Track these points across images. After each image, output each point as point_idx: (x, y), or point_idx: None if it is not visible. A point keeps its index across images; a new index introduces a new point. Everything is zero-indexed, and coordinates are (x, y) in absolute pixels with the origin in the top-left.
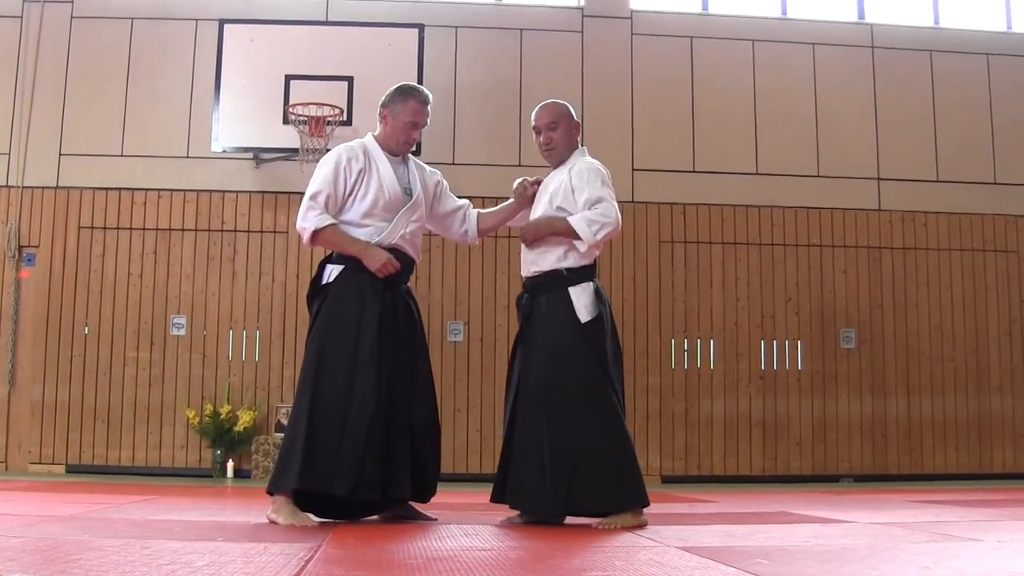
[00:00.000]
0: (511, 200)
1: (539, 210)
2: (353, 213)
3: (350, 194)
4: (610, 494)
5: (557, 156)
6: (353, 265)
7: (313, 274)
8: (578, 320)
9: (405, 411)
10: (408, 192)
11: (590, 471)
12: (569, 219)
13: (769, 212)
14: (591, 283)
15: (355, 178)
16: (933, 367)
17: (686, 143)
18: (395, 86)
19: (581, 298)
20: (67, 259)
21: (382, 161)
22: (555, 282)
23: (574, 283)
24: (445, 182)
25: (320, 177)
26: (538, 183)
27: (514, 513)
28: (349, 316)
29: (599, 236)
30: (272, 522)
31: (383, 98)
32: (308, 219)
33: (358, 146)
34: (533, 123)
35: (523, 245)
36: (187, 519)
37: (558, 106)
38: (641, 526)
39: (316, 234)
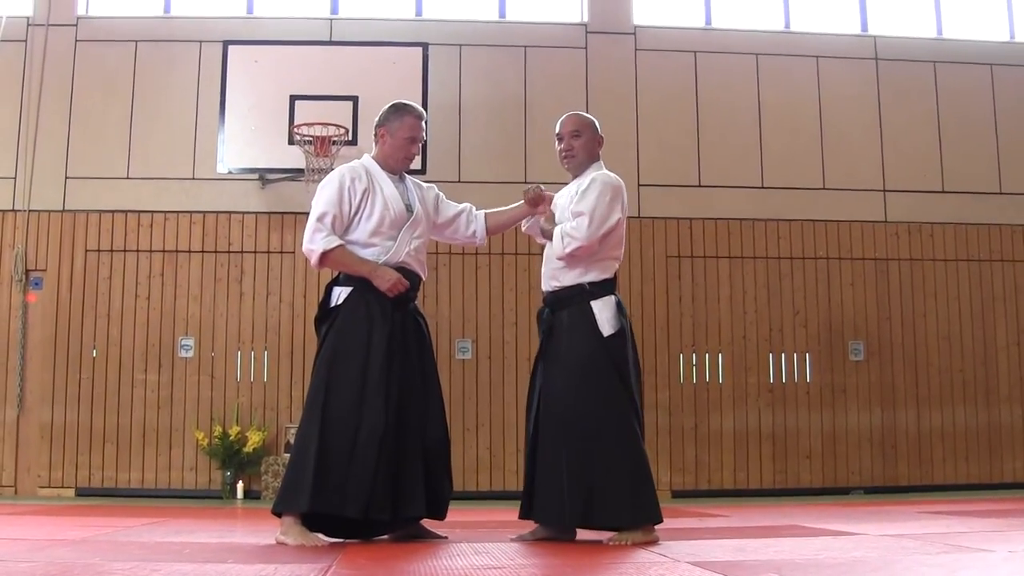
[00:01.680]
0: (522, 202)
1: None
2: (359, 233)
3: (355, 214)
4: (626, 508)
5: (576, 165)
6: (361, 287)
7: (320, 296)
8: (601, 334)
9: (416, 430)
10: (410, 209)
11: (608, 485)
12: (557, 227)
13: (775, 225)
14: (612, 296)
15: (360, 198)
16: (942, 378)
17: (691, 158)
18: (387, 105)
19: (604, 312)
20: (74, 282)
21: (384, 180)
22: (577, 296)
23: (596, 297)
24: (442, 194)
25: (325, 198)
26: (542, 193)
27: (526, 530)
28: (358, 338)
29: (567, 250)
30: (281, 544)
31: (377, 119)
32: (315, 241)
33: (359, 166)
34: (557, 130)
35: (544, 260)
36: (197, 541)
37: (584, 117)
38: (652, 542)
39: (324, 256)
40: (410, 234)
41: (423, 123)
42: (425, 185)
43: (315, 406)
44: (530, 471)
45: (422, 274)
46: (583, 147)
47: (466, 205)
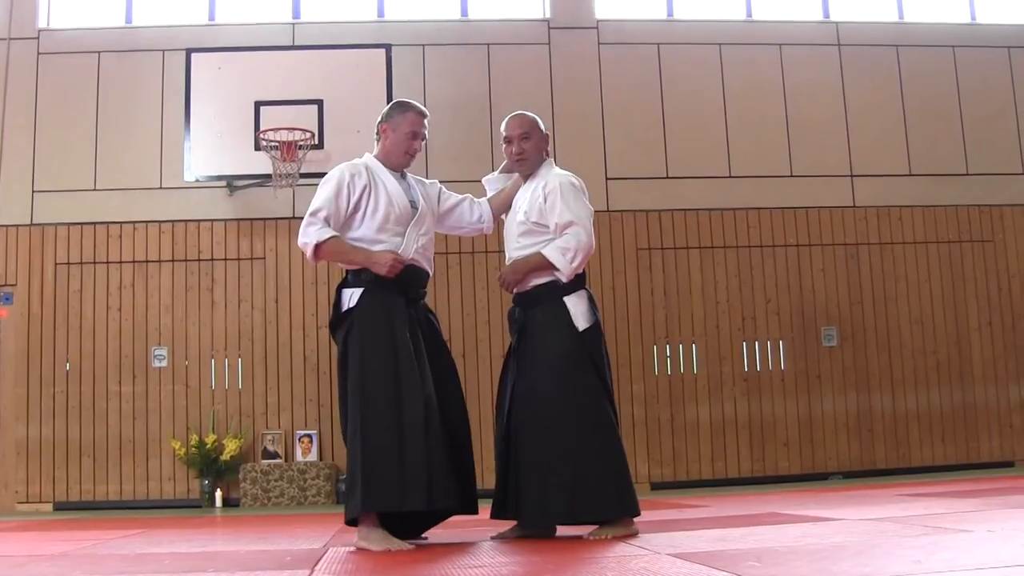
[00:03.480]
0: (513, 178)
1: (513, 228)
2: (365, 229)
3: (357, 211)
4: (610, 501)
5: (528, 166)
6: (372, 285)
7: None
8: (576, 328)
9: (442, 423)
10: (414, 205)
11: (591, 478)
12: (544, 251)
13: (744, 214)
14: (584, 290)
15: (359, 194)
16: (916, 360)
17: (658, 150)
18: (392, 103)
19: (578, 306)
20: (45, 296)
21: (387, 177)
22: (550, 293)
23: (568, 292)
24: (444, 187)
25: (322, 195)
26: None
27: (506, 528)
28: (383, 335)
29: (575, 263)
30: (363, 550)
31: (380, 116)
32: (308, 234)
33: (360, 164)
34: (505, 133)
35: (508, 262)
36: (177, 551)
37: (529, 117)
38: (632, 535)
39: (318, 247)
40: (417, 231)
41: (425, 121)
42: (428, 181)
43: (356, 409)
44: (504, 471)
45: (430, 270)
46: (534, 148)
47: (467, 195)
